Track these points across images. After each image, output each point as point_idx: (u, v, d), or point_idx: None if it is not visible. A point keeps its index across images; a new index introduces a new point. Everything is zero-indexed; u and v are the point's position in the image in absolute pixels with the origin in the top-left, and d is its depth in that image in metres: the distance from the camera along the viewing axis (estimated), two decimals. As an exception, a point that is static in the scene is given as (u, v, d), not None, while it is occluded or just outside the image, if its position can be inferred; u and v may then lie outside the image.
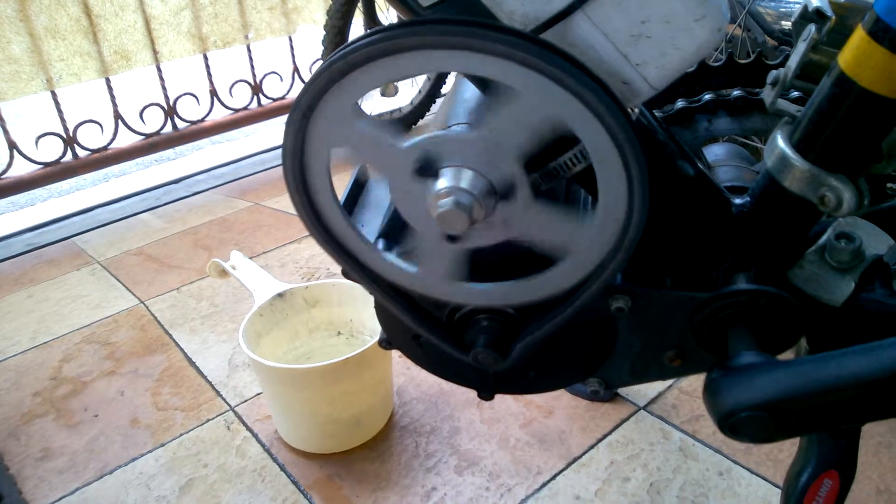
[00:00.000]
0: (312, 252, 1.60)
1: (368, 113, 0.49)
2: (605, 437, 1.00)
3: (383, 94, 2.28)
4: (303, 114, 0.48)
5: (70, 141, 1.92)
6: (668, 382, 1.09)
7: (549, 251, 0.52)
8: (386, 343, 0.69)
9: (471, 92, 0.57)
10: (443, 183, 0.49)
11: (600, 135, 0.45)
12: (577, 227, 0.50)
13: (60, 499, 0.99)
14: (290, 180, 0.51)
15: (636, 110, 0.52)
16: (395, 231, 0.62)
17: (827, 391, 0.49)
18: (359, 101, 0.49)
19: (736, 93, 0.66)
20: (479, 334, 0.61)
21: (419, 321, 0.61)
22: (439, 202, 0.49)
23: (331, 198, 0.52)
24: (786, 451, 0.95)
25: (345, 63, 0.45)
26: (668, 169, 0.56)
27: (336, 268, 1.48)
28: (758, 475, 0.91)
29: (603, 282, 0.52)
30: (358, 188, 0.66)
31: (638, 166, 0.45)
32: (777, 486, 0.90)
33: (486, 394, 0.69)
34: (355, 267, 0.57)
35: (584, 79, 0.43)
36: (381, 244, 0.60)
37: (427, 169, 0.49)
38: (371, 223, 0.63)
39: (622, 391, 1.08)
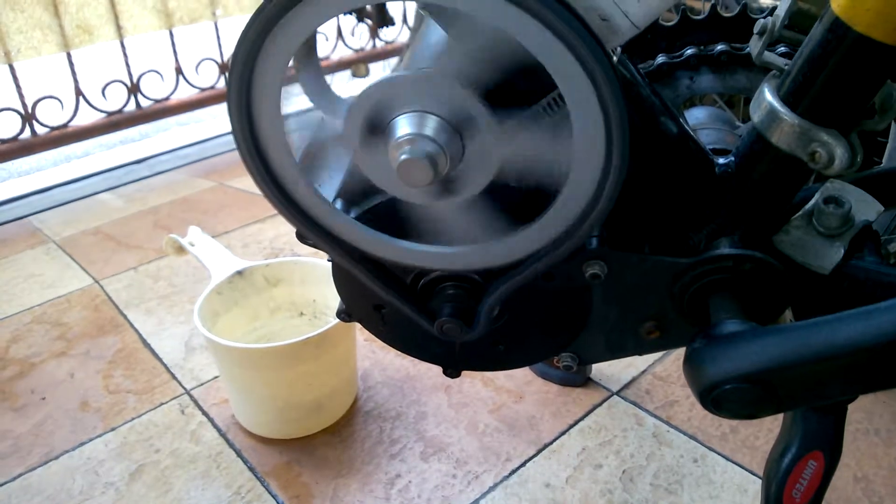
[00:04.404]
0: (277, 232, 1.55)
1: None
2: (576, 422, 0.97)
3: (354, 75, 2.23)
4: (243, 64, 0.44)
5: (28, 117, 1.84)
6: (642, 367, 1.06)
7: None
8: (345, 315, 0.65)
9: (437, 36, 0.53)
10: (400, 132, 0.45)
11: (576, 73, 0.40)
12: (559, 146, 0.46)
13: (1, 486, 0.93)
14: (240, 140, 0.47)
15: (617, 51, 0.48)
16: (354, 190, 0.57)
17: (819, 359, 0.45)
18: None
19: (720, 48, 0.62)
20: (445, 303, 0.57)
21: (385, 286, 0.56)
22: (399, 152, 0.45)
23: (291, 163, 0.48)
24: (762, 438, 0.92)
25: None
26: (650, 125, 0.52)
27: (302, 249, 1.42)
28: (734, 462, 0.88)
29: (580, 237, 0.48)
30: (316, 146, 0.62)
31: (617, 108, 0.41)
32: (753, 474, 0.87)
33: (452, 370, 0.65)
34: (311, 226, 0.52)
35: (561, 11, 0.39)
36: (338, 204, 0.56)
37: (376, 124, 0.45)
38: (328, 183, 0.59)
39: (595, 376, 1.04)
